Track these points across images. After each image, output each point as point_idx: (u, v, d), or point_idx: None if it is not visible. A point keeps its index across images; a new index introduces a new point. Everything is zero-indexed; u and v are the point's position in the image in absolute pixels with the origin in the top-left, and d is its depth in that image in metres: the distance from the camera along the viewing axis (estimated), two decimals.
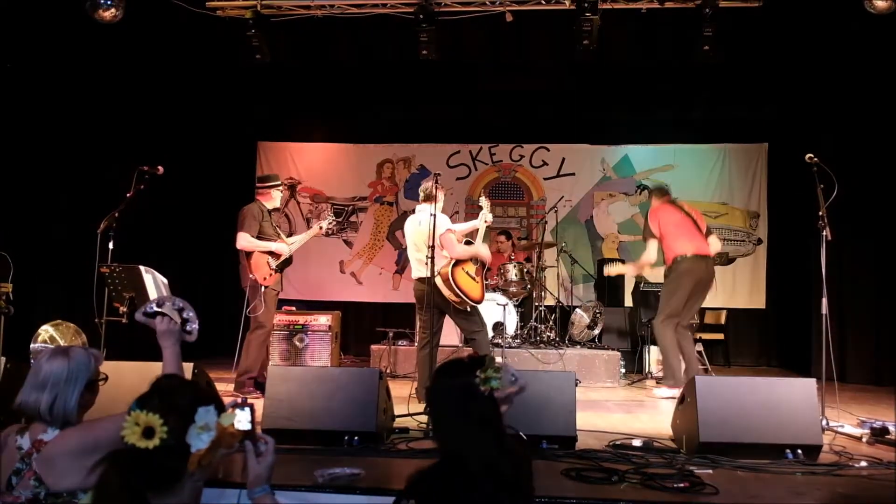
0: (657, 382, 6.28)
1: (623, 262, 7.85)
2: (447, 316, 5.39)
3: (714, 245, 6.03)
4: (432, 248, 4.91)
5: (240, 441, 1.68)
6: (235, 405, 1.71)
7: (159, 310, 2.35)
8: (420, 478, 1.90)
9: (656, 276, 8.06)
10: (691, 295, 5.89)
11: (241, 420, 1.67)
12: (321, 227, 5.85)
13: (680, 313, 5.93)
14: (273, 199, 5.80)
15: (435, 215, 5.05)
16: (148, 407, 1.52)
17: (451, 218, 8.31)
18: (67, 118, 6.48)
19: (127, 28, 6.18)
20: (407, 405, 4.65)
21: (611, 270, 6.76)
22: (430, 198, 5.24)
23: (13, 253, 5.14)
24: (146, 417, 1.50)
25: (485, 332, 5.50)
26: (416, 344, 7.21)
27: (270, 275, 5.56)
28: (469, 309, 5.26)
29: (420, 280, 5.31)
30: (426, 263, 5.01)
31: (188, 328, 2.37)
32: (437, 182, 5.34)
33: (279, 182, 5.95)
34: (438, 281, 5.10)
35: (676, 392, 5.73)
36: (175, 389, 1.62)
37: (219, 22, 6.62)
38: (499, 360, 5.28)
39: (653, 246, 6.02)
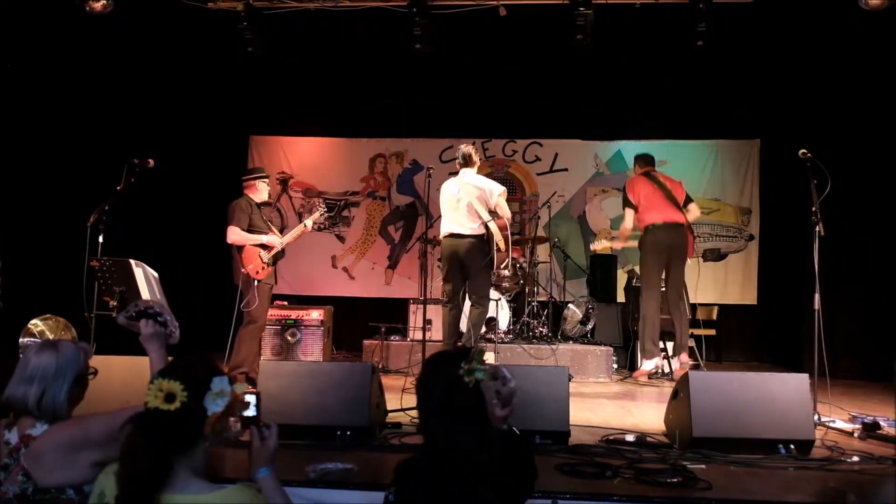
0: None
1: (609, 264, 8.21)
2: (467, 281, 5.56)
3: (692, 212, 6.37)
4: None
5: (246, 426, 1.89)
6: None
7: (142, 311, 2.37)
8: (403, 467, 1.94)
9: None
10: (667, 263, 6.18)
11: (248, 405, 1.87)
12: (306, 226, 5.81)
13: (660, 282, 6.21)
14: (260, 191, 5.74)
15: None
16: (170, 376, 1.68)
17: None
18: (58, 112, 6.43)
19: (118, 21, 6.13)
20: (400, 400, 4.64)
21: (596, 246, 7.08)
22: (469, 162, 5.52)
23: (2, 246, 5.09)
24: (168, 384, 1.66)
25: (487, 307, 5.69)
26: (408, 338, 7.25)
27: (263, 268, 5.51)
28: (492, 269, 5.49)
29: (451, 236, 5.43)
30: (468, 221, 5.35)
31: (169, 331, 2.39)
32: (428, 174, 5.45)
33: (263, 174, 5.88)
34: (493, 227, 5.34)
35: (656, 361, 5.99)
36: (194, 362, 1.80)
37: (210, 15, 6.56)
38: (490, 359, 5.27)
39: (629, 215, 6.38)
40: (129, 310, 2.39)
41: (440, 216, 8.25)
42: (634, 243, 6.53)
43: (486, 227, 5.36)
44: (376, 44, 7.23)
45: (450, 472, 1.83)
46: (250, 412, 1.91)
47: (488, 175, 8.92)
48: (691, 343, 7.22)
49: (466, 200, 5.36)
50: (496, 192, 5.41)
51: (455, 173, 5.69)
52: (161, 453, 1.62)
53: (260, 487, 1.87)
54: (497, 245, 5.34)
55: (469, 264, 5.39)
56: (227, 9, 6.53)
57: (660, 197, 6.23)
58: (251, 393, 1.92)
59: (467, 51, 7.41)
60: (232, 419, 1.82)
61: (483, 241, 5.37)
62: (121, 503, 1.60)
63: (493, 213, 5.44)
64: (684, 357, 6.23)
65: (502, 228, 5.38)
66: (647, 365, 6.14)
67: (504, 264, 5.46)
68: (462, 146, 5.66)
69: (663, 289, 6.37)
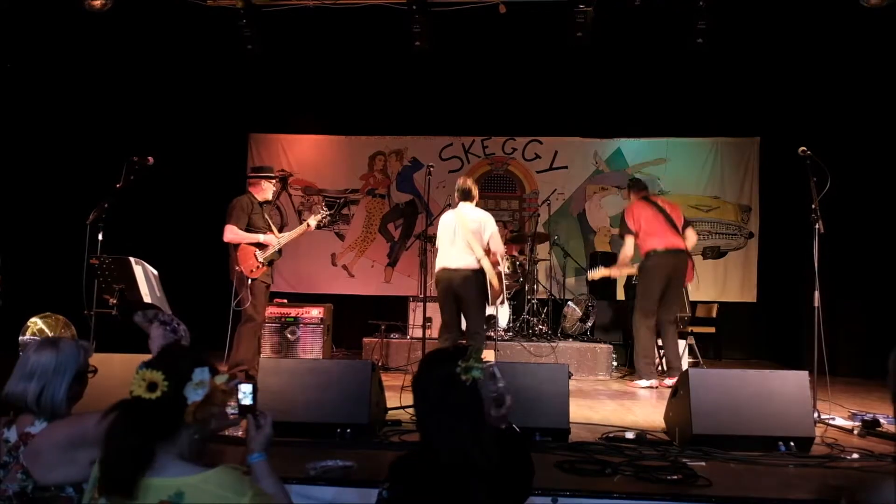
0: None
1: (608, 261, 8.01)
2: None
3: (690, 238, 6.22)
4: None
5: (242, 414, 1.98)
6: (241, 382, 1.99)
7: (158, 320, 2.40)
8: (398, 464, 1.94)
9: None
10: (665, 289, 6.05)
11: (245, 394, 1.97)
12: (309, 225, 5.79)
13: (655, 308, 6.08)
14: (264, 190, 5.72)
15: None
16: (153, 366, 1.74)
17: (443, 211, 8.33)
18: (58, 109, 6.43)
19: (118, 18, 6.13)
20: (399, 397, 4.64)
21: (594, 274, 6.74)
22: (468, 196, 5.44)
23: (1, 244, 5.09)
24: (151, 374, 1.72)
25: (482, 343, 5.63)
26: (408, 336, 7.26)
27: (258, 267, 5.49)
28: (488, 303, 5.43)
29: (445, 269, 5.37)
30: (465, 254, 5.27)
31: (182, 341, 2.43)
32: (428, 171, 5.40)
33: (271, 174, 5.86)
34: (486, 264, 5.26)
35: (650, 382, 5.92)
36: (177, 354, 1.88)
37: (210, 12, 6.55)
38: (490, 357, 5.24)
39: (629, 242, 6.21)
40: (147, 315, 2.42)
41: (440, 213, 8.30)
42: (633, 269, 6.39)
43: (479, 261, 5.31)
44: (376, 41, 7.23)
45: (444, 471, 1.82)
46: (247, 401, 1.99)
47: (487, 173, 9.05)
48: (691, 341, 7.23)
49: (462, 234, 5.31)
50: (490, 228, 5.35)
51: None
52: (142, 438, 1.68)
53: (251, 472, 1.91)
54: (490, 282, 5.29)
55: (464, 295, 5.30)
56: (226, 6, 6.52)
57: (661, 222, 6.11)
58: (247, 382, 2.00)
59: (467, 48, 7.41)
60: (228, 409, 1.89)
61: (478, 274, 5.30)
62: (102, 485, 1.66)
63: (487, 252, 5.41)
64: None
65: (495, 265, 5.36)
66: (641, 382, 6.09)
67: (500, 300, 5.45)
68: (460, 180, 5.57)
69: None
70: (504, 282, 5.45)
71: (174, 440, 1.73)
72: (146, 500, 1.63)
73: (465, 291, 5.29)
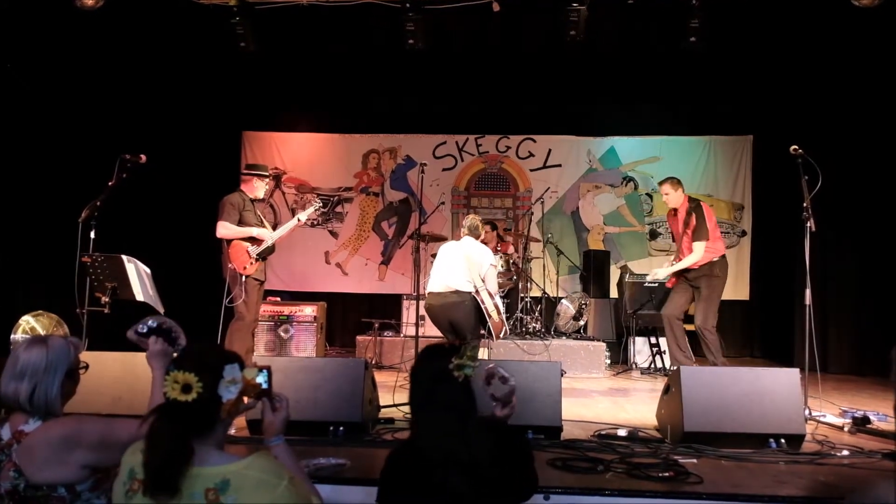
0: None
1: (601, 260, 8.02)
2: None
3: None
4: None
5: (258, 398, 2.01)
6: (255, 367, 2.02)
7: (154, 328, 2.37)
8: (391, 456, 1.95)
9: (641, 267, 8.15)
10: None
11: (260, 381, 2.00)
12: (299, 220, 5.76)
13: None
14: (255, 188, 5.69)
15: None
16: (184, 367, 1.78)
17: (437, 209, 8.34)
18: (50, 107, 6.39)
19: (110, 15, 6.09)
20: (392, 395, 4.65)
21: (659, 275, 6.42)
22: (475, 232, 5.71)
23: None
24: (184, 376, 1.75)
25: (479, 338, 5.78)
26: (401, 334, 7.26)
27: (251, 263, 5.47)
28: (492, 339, 5.67)
29: (433, 294, 5.54)
30: (462, 281, 5.45)
31: (177, 346, 2.42)
32: (421, 170, 5.44)
33: (264, 173, 5.83)
34: (484, 295, 5.43)
35: None
36: (205, 352, 1.90)
37: (203, 10, 6.53)
38: (483, 355, 5.27)
39: (701, 248, 5.69)
40: (141, 326, 2.38)
41: (434, 211, 8.30)
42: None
43: (478, 293, 5.47)
44: (369, 39, 7.21)
45: (429, 465, 1.82)
46: (263, 385, 2.02)
47: (481, 171, 9.06)
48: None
49: (465, 263, 5.49)
50: (488, 263, 5.56)
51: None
52: (183, 438, 1.74)
53: (275, 455, 2.00)
54: (489, 315, 5.43)
55: (456, 319, 5.44)
56: (219, 4, 6.49)
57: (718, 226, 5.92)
58: (262, 367, 2.04)
59: (461, 46, 7.41)
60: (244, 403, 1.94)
61: (473, 299, 5.45)
62: (149, 484, 1.71)
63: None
64: None
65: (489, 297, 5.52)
66: None
67: (503, 332, 5.60)
68: (471, 216, 5.89)
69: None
70: (503, 315, 5.64)
71: (211, 434, 1.81)
72: (193, 490, 1.70)
73: (457, 315, 5.43)
